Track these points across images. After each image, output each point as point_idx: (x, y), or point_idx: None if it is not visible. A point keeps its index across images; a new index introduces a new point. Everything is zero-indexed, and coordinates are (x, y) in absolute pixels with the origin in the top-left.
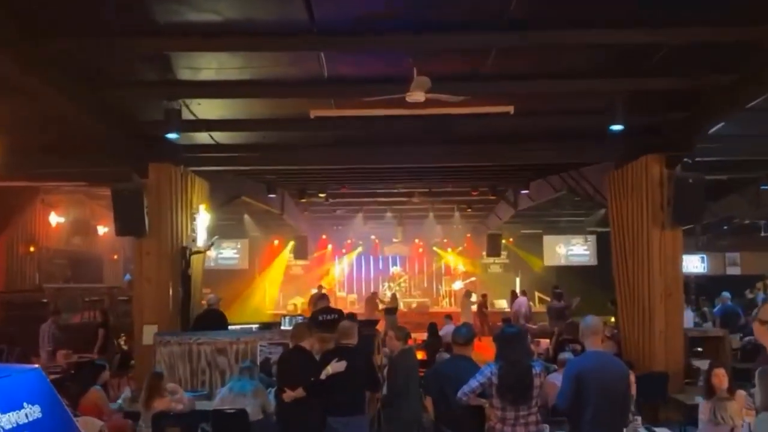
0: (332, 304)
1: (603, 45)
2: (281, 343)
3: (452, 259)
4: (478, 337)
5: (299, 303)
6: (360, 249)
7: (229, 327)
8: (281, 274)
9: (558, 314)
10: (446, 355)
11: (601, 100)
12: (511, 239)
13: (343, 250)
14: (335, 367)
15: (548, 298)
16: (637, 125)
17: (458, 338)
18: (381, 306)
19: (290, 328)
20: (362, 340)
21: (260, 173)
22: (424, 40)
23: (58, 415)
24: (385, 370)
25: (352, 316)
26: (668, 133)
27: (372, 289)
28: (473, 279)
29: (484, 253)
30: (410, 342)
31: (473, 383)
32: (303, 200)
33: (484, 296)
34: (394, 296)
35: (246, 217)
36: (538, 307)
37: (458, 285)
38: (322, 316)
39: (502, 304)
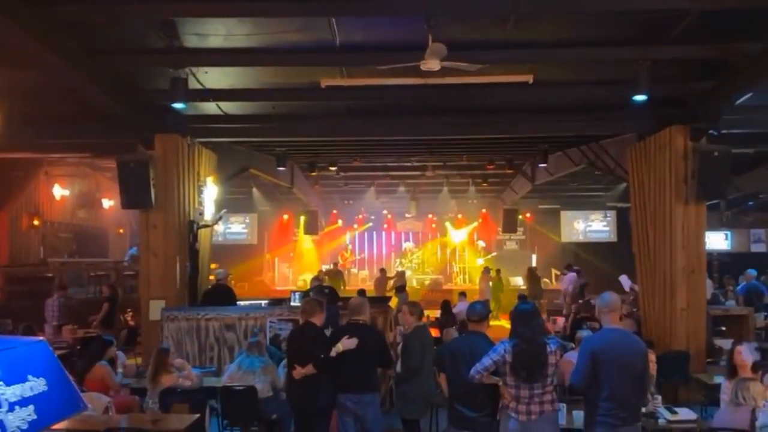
0: (345, 281)
1: (626, 12)
2: (291, 320)
3: (455, 236)
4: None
5: (309, 279)
6: (371, 224)
7: (238, 303)
8: (294, 249)
9: (575, 292)
10: (454, 332)
11: (623, 69)
12: (528, 215)
13: (355, 226)
14: (346, 344)
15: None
16: (660, 96)
17: (473, 315)
18: (390, 283)
19: (300, 304)
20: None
21: (269, 145)
22: (440, 3)
23: (63, 388)
24: (399, 347)
25: (362, 292)
26: (693, 104)
27: (383, 266)
28: (494, 254)
29: (499, 230)
30: (424, 319)
31: (486, 361)
32: (313, 173)
33: (498, 272)
34: (401, 274)
35: (255, 190)
36: (554, 285)
37: (480, 261)
38: (314, 292)
39: (517, 281)
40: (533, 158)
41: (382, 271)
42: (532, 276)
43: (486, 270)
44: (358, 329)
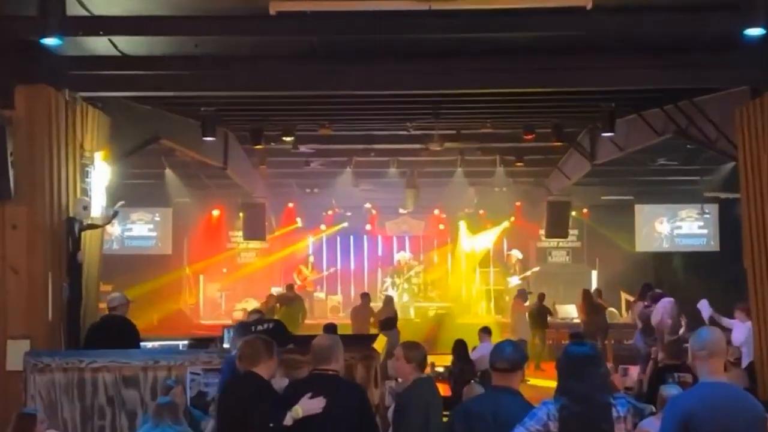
0: (306, 310)
1: None
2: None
3: (475, 243)
4: (532, 362)
5: (250, 307)
6: (346, 224)
7: (142, 344)
8: (229, 263)
9: (674, 327)
10: (479, 389)
11: None
12: (585, 210)
13: (322, 227)
14: (308, 406)
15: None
16: None
17: (500, 361)
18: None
19: (237, 345)
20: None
21: (191, 103)
22: None
23: None
24: (389, 412)
25: (331, 328)
26: None
27: (365, 289)
28: (535, 270)
29: (542, 233)
30: (428, 369)
31: (521, 431)
32: (258, 147)
33: (540, 297)
34: (388, 300)
35: (168, 172)
36: (625, 316)
37: (515, 281)
38: (255, 326)
39: (569, 311)
40: (593, 124)
41: (365, 296)
42: (591, 303)
43: (521, 294)
44: (325, 384)
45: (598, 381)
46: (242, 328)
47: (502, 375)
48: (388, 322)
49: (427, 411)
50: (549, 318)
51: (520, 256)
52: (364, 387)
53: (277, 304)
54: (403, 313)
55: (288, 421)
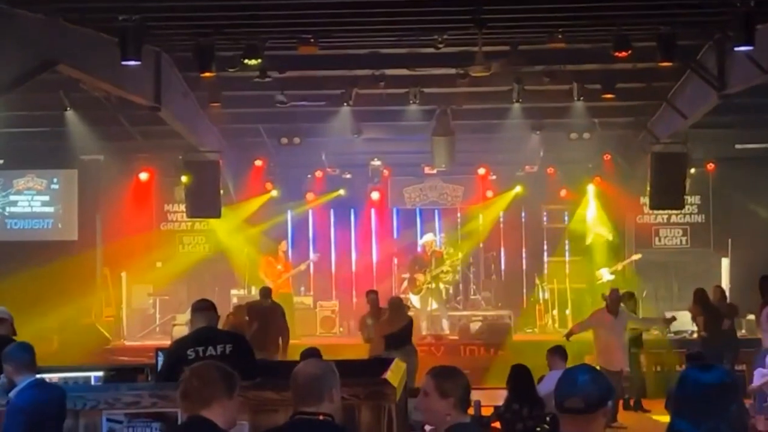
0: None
1: None
2: (159, 414)
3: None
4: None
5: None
6: (342, 192)
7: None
8: (165, 253)
9: None
10: None
11: None
12: (709, 166)
13: (308, 196)
14: None
15: None
16: None
17: (570, 398)
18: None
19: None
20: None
21: (104, 8)
22: None
23: None
24: None
25: (312, 352)
26: None
27: (373, 286)
28: (635, 258)
29: (644, 201)
30: (471, 411)
31: None
32: (208, 75)
33: (629, 298)
34: (396, 304)
35: (71, 116)
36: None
37: (606, 275)
38: (195, 349)
39: (683, 319)
40: (720, 34)
41: (373, 296)
42: (709, 308)
43: (614, 297)
44: None
45: (730, 421)
46: (177, 350)
47: (574, 419)
48: (399, 338)
49: None
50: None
51: (609, 235)
52: None
53: (246, 318)
54: (432, 327)
55: None
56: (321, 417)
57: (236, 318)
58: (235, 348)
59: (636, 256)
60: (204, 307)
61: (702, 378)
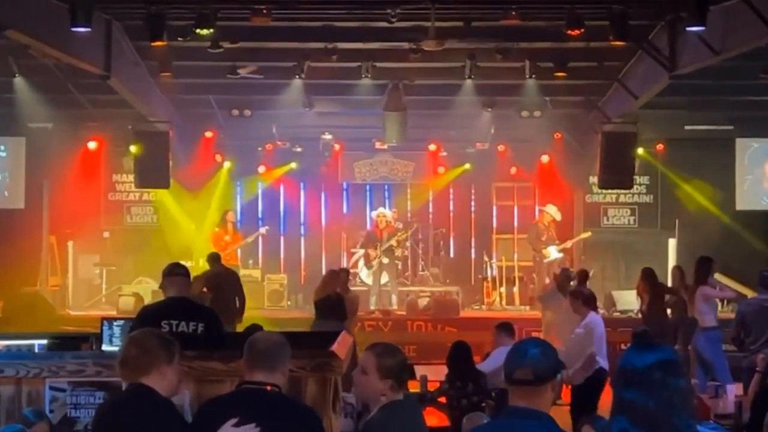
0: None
1: None
2: (103, 383)
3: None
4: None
5: (148, 291)
6: (294, 165)
7: None
8: (112, 223)
9: None
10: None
11: None
12: (658, 146)
13: (259, 168)
14: None
15: (747, 290)
16: None
17: (520, 369)
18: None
19: (120, 346)
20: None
21: None
22: None
23: None
24: None
25: (257, 330)
26: None
27: (322, 262)
28: (583, 236)
29: (593, 180)
30: (411, 385)
31: None
32: (159, 44)
33: (581, 275)
34: (331, 275)
35: (19, 83)
36: (725, 311)
37: (554, 253)
38: (169, 321)
39: (628, 299)
40: (673, 14)
41: (335, 274)
42: (656, 289)
43: (564, 275)
44: (260, 405)
45: (675, 397)
46: (151, 320)
47: (523, 391)
48: (330, 305)
49: None
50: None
51: (557, 215)
52: (319, 413)
53: (204, 289)
54: (381, 302)
55: None
56: (269, 387)
57: (195, 289)
58: (207, 327)
59: (585, 234)
60: (176, 273)
61: (640, 357)
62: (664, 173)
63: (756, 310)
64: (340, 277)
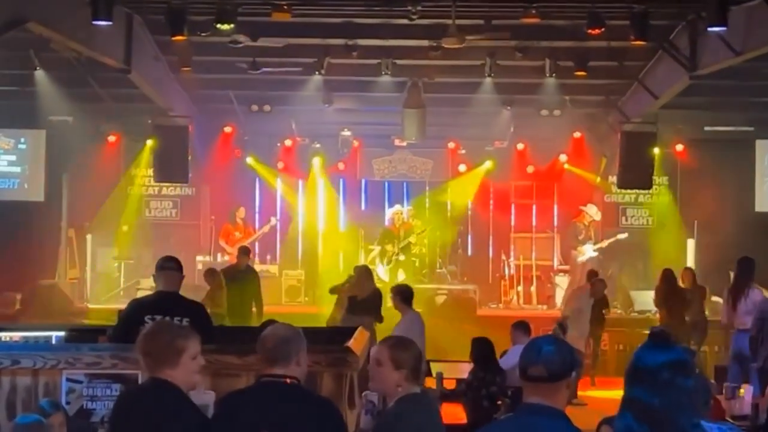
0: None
1: None
2: (119, 376)
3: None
4: (588, 372)
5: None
6: (319, 158)
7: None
8: (131, 217)
9: None
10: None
11: None
12: (678, 147)
13: (278, 164)
14: None
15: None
16: None
17: (533, 366)
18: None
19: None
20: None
21: None
22: None
23: None
24: None
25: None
26: None
27: (339, 260)
28: (621, 236)
29: (612, 180)
30: (432, 383)
31: None
32: (179, 38)
33: (593, 276)
34: (363, 272)
35: (40, 76)
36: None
37: (590, 251)
38: (153, 316)
39: (645, 299)
40: (694, 14)
41: (363, 272)
42: (675, 290)
43: (591, 275)
44: (279, 398)
45: (683, 397)
46: (135, 314)
47: (537, 388)
48: (362, 303)
49: None
50: (608, 311)
51: (597, 216)
52: (337, 406)
53: (216, 289)
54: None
55: None
56: (287, 380)
57: (211, 285)
58: (191, 322)
59: (622, 236)
60: (166, 267)
61: (652, 354)
62: (683, 174)
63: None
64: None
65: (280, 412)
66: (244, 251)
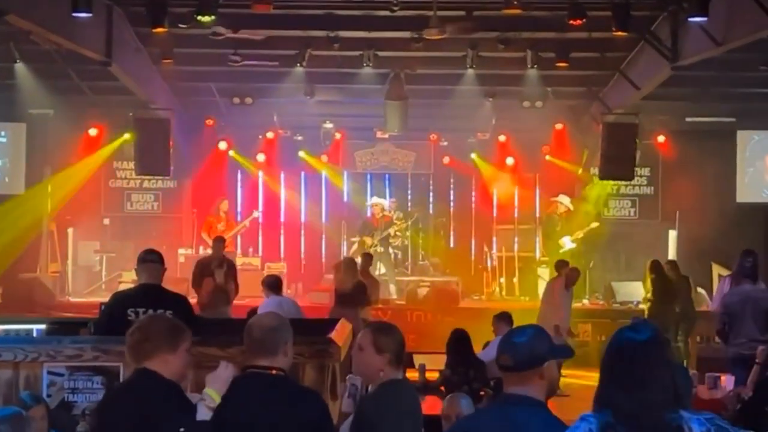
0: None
1: None
2: (101, 368)
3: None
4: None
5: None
6: (304, 153)
7: None
8: (106, 211)
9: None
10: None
11: None
12: (660, 138)
13: (259, 157)
14: (221, 380)
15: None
16: None
17: (511, 358)
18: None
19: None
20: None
21: None
22: None
23: None
24: (344, 426)
25: (274, 282)
26: None
27: (321, 252)
28: (594, 226)
29: (594, 172)
30: (415, 375)
31: None
32: (160, 30)
33: (563, 267)
34: (348, 264)
35: (20, 69)
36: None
37: (568, 243)
38: (135, 309)
39: (634, 290)
40: (674, 5)
41: (345, 265)
42: (663, 280)
43: (561, 266)
44: (265, 389)
45: (663, 390)
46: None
47: (509, 377)
48: (352, 295)
49: (398, 426)
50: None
51: (571, 206)
52: (322, 396)
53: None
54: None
55: (203, 414)
56: (273, 372)
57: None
58: (175, 314)
59: (594, 224)
60: (148, 259)
61: (629, 337)
62: (665, 165)
63: (741, 300)
64: (360, 263)
65: (266, 403)
66: (219, 242)
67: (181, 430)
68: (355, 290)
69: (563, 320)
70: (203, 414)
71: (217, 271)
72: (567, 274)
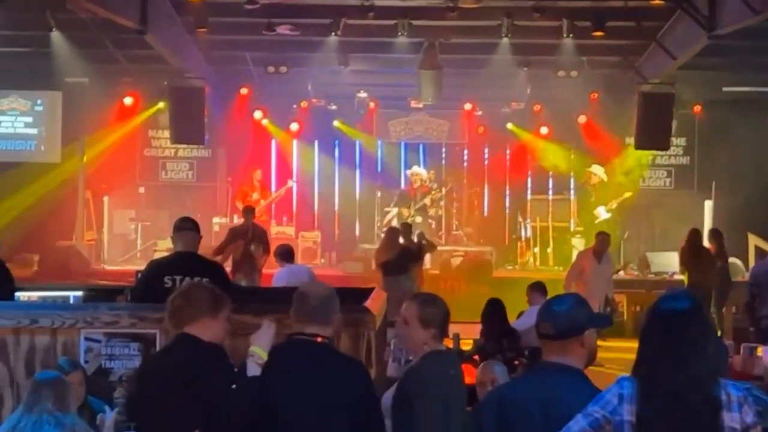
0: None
1: None
2: (137, 335)
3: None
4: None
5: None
6: (338, 122)
7: (17, 295)
8: (142, 180)
9: None
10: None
11: None
12: (696, 108)
13: (292, 125)
14: (266, 338)
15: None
16: None
17: (550, 326)
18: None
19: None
20: None
21: None
22: None
23: None
24: (385, 397)
25: (288, 249)
26: None
27: (356, 222)
28: (627, 195)
29: (629, 141)
30: (450, 342)
31: (581, 422)
32: (194, 0)
33: (597, 240)
34: (393, 233)
35: (56, 37)
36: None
37: (603, 213)
38: (172, 277)
39: (669, 261)
40: None
41: (388, 235)
42: (700, 251)
43: (602, 239)
44: (311, 357)
45: (700, 353)
46: (155, 275)
47: (549, 346)
48: (400, 261)
49: (444, 401)
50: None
51: (605, 176)
52: (362, 368)
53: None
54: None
55: (252, 370)
56: (319, 339)
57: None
58: (210, 281)
59: (627, 194)
60: (184, 227)
61: (669, 306)
62: (701, 135)
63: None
64: (399, 232)
65: (311, 371)
66: (249, 210)
67: (233, 386)
68: (400, 257)
69: (592, 292)
70: (253, 370)
71: (254, 245)
72: (595, 245)
